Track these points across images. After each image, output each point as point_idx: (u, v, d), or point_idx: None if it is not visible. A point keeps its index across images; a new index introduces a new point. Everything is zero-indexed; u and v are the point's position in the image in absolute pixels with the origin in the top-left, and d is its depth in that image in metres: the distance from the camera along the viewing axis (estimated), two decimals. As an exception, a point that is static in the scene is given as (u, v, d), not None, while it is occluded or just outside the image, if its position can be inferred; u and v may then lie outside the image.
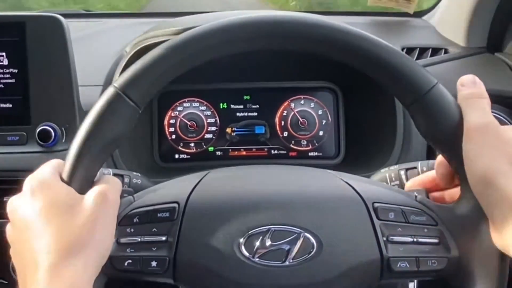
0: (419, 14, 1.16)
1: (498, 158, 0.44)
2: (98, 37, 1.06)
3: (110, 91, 0.48)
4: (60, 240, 0.43)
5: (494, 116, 0.47)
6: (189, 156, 0.98)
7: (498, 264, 0.46)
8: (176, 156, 0.98)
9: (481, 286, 0.47)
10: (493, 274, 0.47)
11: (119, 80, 0.48)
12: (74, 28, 0.82)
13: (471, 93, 0.48)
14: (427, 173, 0.58)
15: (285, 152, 0.98)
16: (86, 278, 0.44)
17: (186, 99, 0.98)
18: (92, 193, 0.47)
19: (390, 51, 0.49)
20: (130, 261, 0.49)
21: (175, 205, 0.50)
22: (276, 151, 0.98)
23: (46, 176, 0.47)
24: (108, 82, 0.88)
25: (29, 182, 0.47)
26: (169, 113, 0.98)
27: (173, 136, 0.98)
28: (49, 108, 0.79)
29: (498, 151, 0.45)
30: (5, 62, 0.78)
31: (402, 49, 0.96)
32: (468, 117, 0.47)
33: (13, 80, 0.79)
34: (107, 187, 0.48)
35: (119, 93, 0.48)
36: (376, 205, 0.50)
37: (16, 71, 0.79)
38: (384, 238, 0.49)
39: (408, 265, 0.48)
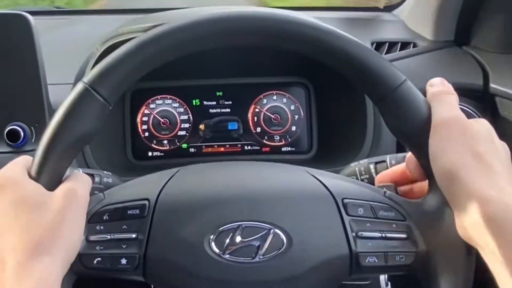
0: (389, 8, 1.18)
1: (462, 152, 0.45)
2: (68, 34, 1.05)
3: (79, 86, 0.47)
4: (27, 237, 0.43)
5: (462, 109, 0.48)
6: (162, 154, 0.98)
7: (465, 257, 0.47)
8: (150, 153, 0.97)
9: (448, 279, 0.48)
10: (460, 267, 0.47)
11: (88, 75, 0.48)
12: (43, 26, 0.81)
13: (439, 90, 0.50)
14: (396, 167, 0.59)
15: (258, 147, 0.98)
16: (55, 275, 0.43)
17: (158, 96, 0.97)
18: (61, 190, 0.47)
19: (358, 47, 0.49)
20: (99, 258, 0.48)
21: (146, 202, 0.50)
22: (249, 147, 0.98)
23: (13, 173, 0.47)
24: (78, 80, 0.85)
25: None
26: (141, 111, 0.97)
27: (146, 134, 0.97)
28: (18, 107, 0.77)
29: (462, 144, 0.46)
30: (-30, 61, 0.77)
31: (372, 44, 0.97)
32: (435, 112, 0.48)
33: (-20, 80, 0.77)
34: (76, 184, 0.48)
35: (88, 88, 0.47)
36: (345, 201, 0.51)
37: (-18, 70, 0.77)
38: (353, 234, 0.50)
39: (376, 260, 0.49)
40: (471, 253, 0.47)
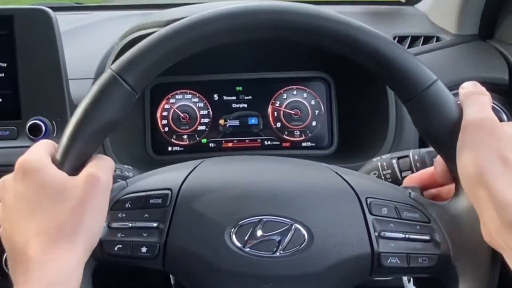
0: (411, 2, 1.16)
1: (489, 156, 0.44)
2: (88, 30, 1.05)
3: (107, 74, 0.48)
4: (50, 223, 0.44)
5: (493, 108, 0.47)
6: (182, 148, 0.98)
7: (489, 262, 0.46)
8: (169, 148, 0.98)
9: (472, 284, 0.47)
10: (484, 272, 0.46)
11: (116, 63, 0.48)
12: (64, 21, 0.82)
13: (472, 91, 0.48)
14: (425, 170, 0.57)
15: (278, 143, 0.97)
16: (76, 261, 0.44)
17: (178, 91, 0.97)
18: (83, 175, 0.47)
19: (389, 44, 0.49)
20: (120, 245, 0.49)
21: (168, 191, 0.50)
22: (269, 142, 0.97)
23: (37, 158, 0.47)
24: (99, 75, 0.87)
25: (20, 163, 0.47)
26: (161, 106, 0.97)
27: (166, 129, 0.97)
28: (40, 102, 0.78)
29: (490, 148, 0.44)
30: (-6, 56, 0.78)
31: (394, 38, 0.96)
32: (466, 113, 0.47)
33: (2, 75, 0.78)
34: (98, 169, 0.48)
35: (116, 76, 0.48)
36: (369, 200, 0.50)
37: (5, 65, 0.78)
38: (376, 233, 0.49)
39: (398, 261, 0.48)
40: (496, 258, 0.46)
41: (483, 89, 0.49)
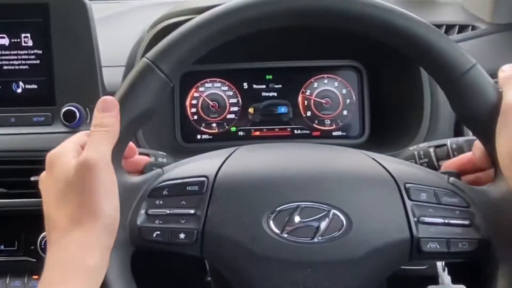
0: (444, -10, 1.13)
1: None
2: (120, 18, 1.06)
3: (142, 62, 0.49)
4: (63, 213, 0.46)
5: None
6: (211, 137, 0.98)
7: None
8: (198, 136, 0.98)
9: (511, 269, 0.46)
10: None
11: (151, 52, 0.49)
12: (96, 9, 0.82)
13: (511, 74, 0.48)
14: (463, 155, 0.57)
15: (308, 132, 0.97)
16: (92, 243, 0.45)
17: (208, 79, 0.97)
18: (74, 164, 0.47)
19: (427, 28, 0.49)
20: (158, 232, 0.49)
21: (204, 179, 0.51)
22: (299, 131, 0.97)
23: (61, 151, 0.49)
24: (130, 62, 0.88)
25: (47, 157, 0.49)
26: (191, 94, 0.97)
27: (195, 117, 0.97)
28: (74, 88, 0.79)
29: None
30: (30, 43, 0.79)
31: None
32: (505, 96, 0.46)
33: (38, 61, 0.79)
34: (88, 152, 0.47)
35: (151, 65, 0.48)
36: (408, 185, 0.50)
37: (40, 52, 0.79)
38: (415, 219, 0.49)
39: (438, 246, 0.48)
40: None
41: None
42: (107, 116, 0.48)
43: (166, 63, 0.48)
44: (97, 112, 0.48)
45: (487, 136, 0.47)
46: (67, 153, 0.48)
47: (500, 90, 0.47)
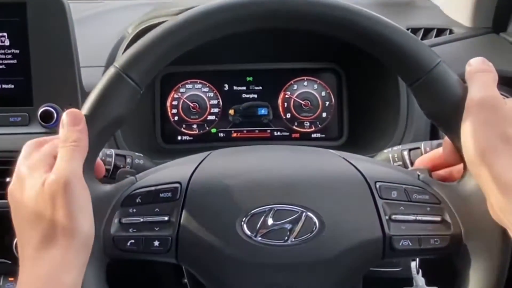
0: (424, -6, 1.15)
1: (492, 135, 0.43)
2: (100, 18, 1.05)
3: (111, 71, 0.48)
4: (34, 232, 0.45)
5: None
6: (191, 138, 0.98)
7: (500, 240, 0.46)
8: (179, 137, 0.98)
9: (483, 262, 0.47)
10: (496, 250, 0.46)
11: (119, 60, 0.48)
12: (76, 9, 0.82)
13: (476, 68, 0.47)
14: (435, 150, 0.57)
15: (288, 133, 0.97)
16: (67, 260, 0.44)
17: (188, 81, 0.97)
18: (45, 182, 0.45)
19: (393, 29, 0.49)
20: (132, 241, 0.49)
21: (177, 185, 0.50)
22: (279, 133, 0.97)
23: (34, 168, 0.46)
24: (110, 63, 0.88)
25: (18, 171, 0.47)
26: (171, 95, 0.97)
27: (176, 118, 0.97)
28: (51, 89, 0.78)
29: (491, 126, 0.43)
30: (7, 42, 0.78)
31: (407, 30, 0.95)
32: (470, 91, 0.46)
33: (15, 61, 0.78)
34: (56, 171, 0.45)
35: (120, 73, 0.48)
36: (378, 184, 0.50)
37: (17, 51, 0.78)
38: (387, 217, 0.49)
39: (410, 244, 0.48)
40: (507, 236, 0.45)
41: (490, 65, 0.48)
42: (74, 131, 0.46)
43: (135, 71, 0.48)
44: (63, 126, 0.47)
45: (454, 132, 0.47)
46: (38, 167, 0.46)
47: (466, 85, 0.47)
